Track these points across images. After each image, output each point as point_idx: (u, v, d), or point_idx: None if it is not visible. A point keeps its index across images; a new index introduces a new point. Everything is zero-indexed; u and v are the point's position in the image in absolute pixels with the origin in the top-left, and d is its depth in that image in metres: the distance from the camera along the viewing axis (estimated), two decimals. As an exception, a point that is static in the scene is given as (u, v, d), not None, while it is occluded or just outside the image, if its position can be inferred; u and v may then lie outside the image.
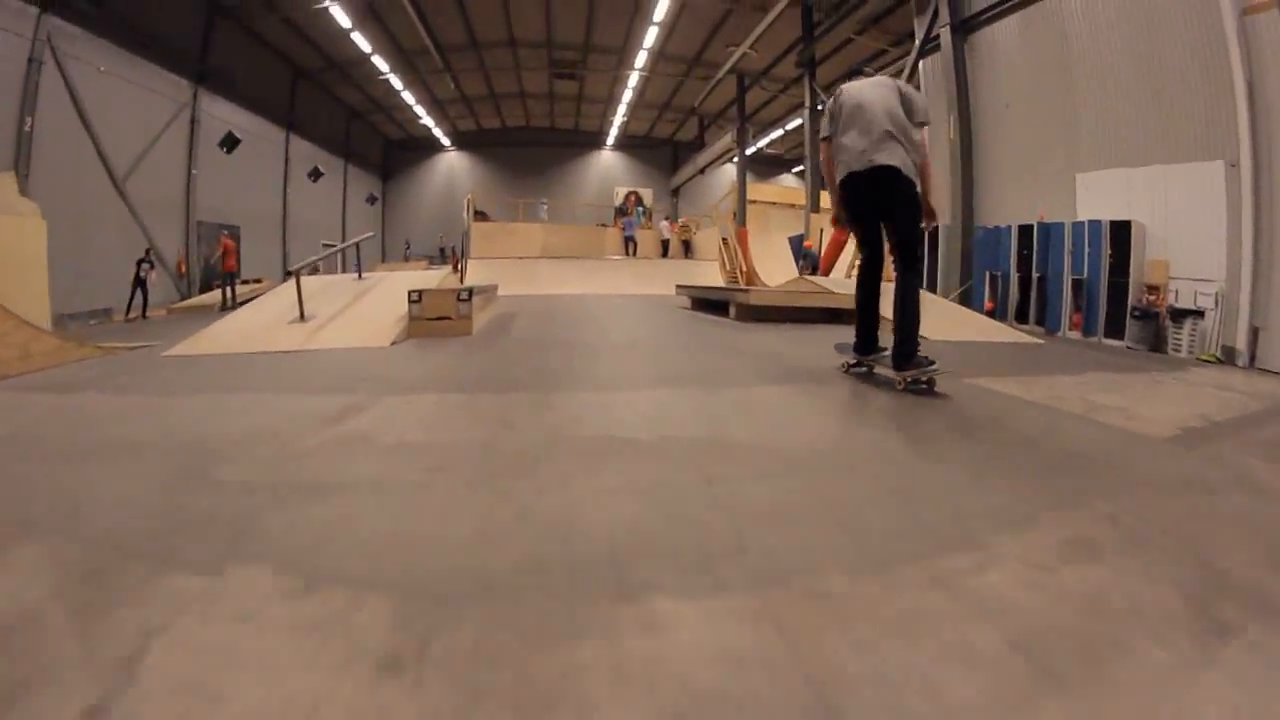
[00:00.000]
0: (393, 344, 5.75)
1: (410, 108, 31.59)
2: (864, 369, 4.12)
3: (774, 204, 24.47)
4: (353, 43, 24.03)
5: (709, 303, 9.94)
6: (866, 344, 4.04)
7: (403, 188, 38.05)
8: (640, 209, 29.50)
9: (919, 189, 3.69)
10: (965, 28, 12.76)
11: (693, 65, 26.84)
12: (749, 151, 27.91)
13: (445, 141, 37.60)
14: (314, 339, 5.79)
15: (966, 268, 12.59)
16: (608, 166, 38.39)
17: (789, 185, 32.54)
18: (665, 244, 22.69)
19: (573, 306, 10.77)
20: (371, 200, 33.81)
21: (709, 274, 18.26)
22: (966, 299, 11.92)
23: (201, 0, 20.18)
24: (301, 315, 6.36)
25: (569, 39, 25.45)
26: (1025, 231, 11.29)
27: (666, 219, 24.92)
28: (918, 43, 13.81)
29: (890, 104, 3.70)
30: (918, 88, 13.36)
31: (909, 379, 3.61)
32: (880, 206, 3.78)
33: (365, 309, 6.80)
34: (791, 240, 20.53)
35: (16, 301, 10.63)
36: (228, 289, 17.10)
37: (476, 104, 32.75)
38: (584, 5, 22.90)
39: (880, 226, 3.87)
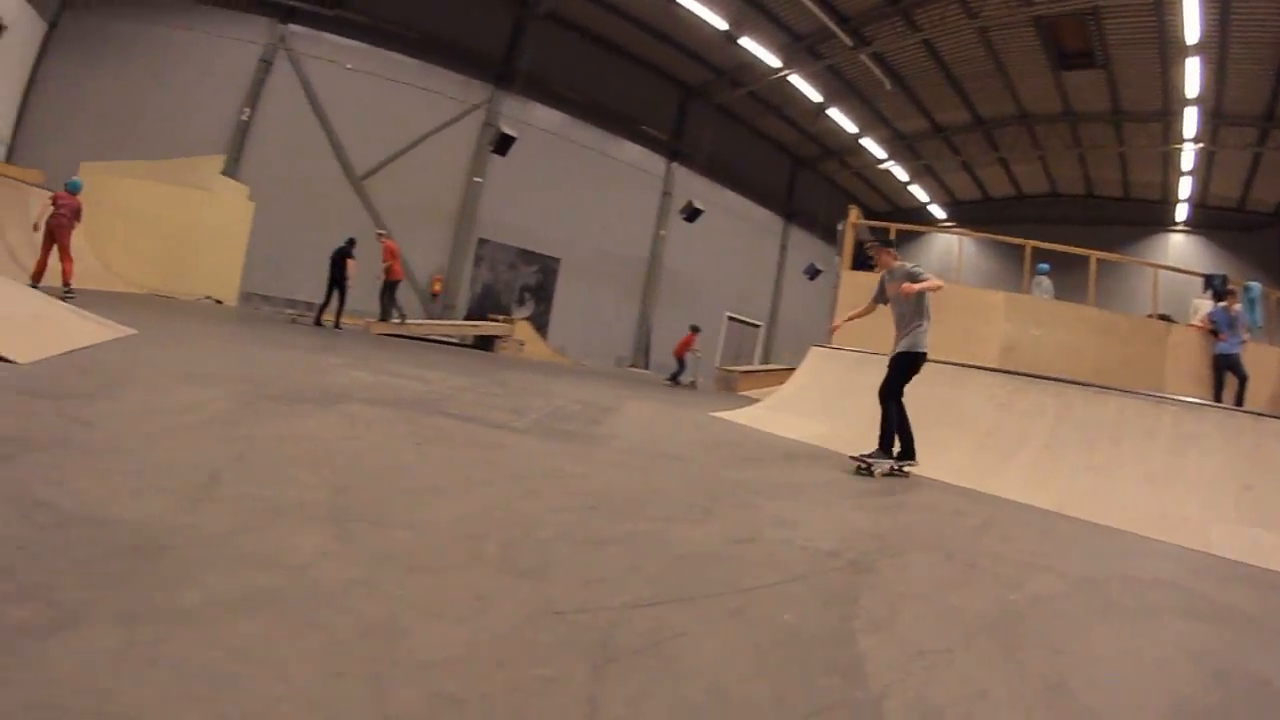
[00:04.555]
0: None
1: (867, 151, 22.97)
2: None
3: None
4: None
5: None
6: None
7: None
8: (1253, 298, 11.35)
9: None
10: None
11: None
12: None
13: (939, 213, 27.46)
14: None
15: None
16: (1175, 257, 22.33)
17: None
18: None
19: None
20: (813, 273, 23.01)
21: None
22: None
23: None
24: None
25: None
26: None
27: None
28: None
29: None
30: None
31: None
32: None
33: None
34: None
35: (205, 271, 13.32)
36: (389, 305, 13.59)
37: (959, 137, 22.00)
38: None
39: None
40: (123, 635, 1.16)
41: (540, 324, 17.19)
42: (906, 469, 5.08)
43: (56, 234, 8.68)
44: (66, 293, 8.03)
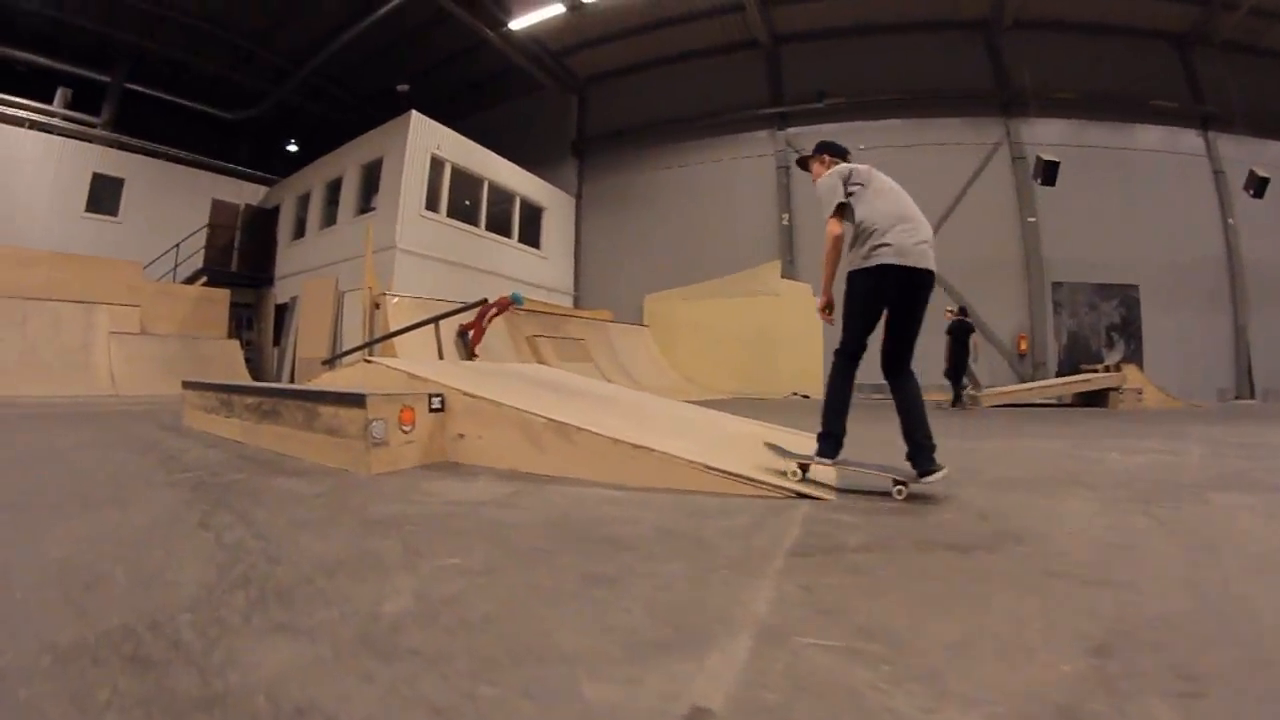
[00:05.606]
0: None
1: None
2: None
3: None
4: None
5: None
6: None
7: None
8: None
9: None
10: None
11: None
12: None
13: None
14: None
15: None
16: None
17: None
18: None
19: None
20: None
21: None
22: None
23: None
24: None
25: None
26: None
27: None
28: None
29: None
30: None
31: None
32: (905, 309, 3.07)
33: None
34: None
35: (784, 369, 13.84)
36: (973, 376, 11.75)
37: None
38: None
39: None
40: None
41: (1134, 365, 13.73)
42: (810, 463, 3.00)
43: (482, 317, 9.95)
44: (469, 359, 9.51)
